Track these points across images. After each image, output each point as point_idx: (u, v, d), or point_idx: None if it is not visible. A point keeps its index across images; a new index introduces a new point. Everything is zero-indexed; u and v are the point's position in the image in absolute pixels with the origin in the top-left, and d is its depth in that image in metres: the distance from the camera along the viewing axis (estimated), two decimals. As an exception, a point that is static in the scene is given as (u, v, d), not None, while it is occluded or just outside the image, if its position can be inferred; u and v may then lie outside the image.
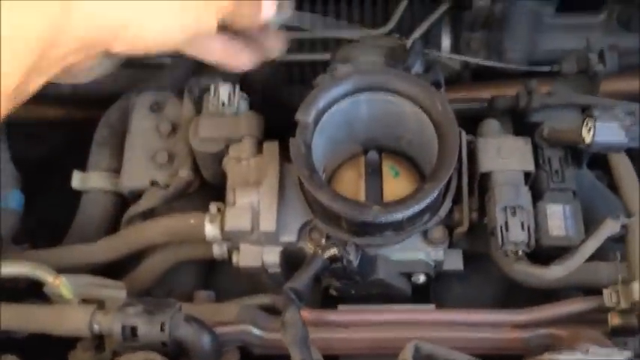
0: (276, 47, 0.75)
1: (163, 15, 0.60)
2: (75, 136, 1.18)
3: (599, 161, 0.94)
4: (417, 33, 1.15)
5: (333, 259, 0.76)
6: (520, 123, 0.98)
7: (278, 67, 1.13)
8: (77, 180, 1.01)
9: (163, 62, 1.16)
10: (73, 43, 0.56)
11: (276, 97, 1.10)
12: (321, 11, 1.18)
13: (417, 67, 0.91)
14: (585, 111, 0.81)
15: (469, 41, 1.21)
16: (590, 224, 0.84)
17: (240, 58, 0.72)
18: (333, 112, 0.83)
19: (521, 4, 1.18)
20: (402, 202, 0.77)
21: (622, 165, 0.81)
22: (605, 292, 0.76)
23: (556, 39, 1.21)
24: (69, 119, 1.23)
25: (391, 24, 1.17)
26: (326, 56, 1.04)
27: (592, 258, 0.83)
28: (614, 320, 0.76)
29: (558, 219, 0.85)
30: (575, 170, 0.91)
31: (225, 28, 0.68)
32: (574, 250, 0.77)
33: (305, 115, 0.80)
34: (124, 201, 1.01)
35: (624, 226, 0.77)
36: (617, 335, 0.77)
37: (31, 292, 0.84)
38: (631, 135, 0.71)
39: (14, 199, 1.02)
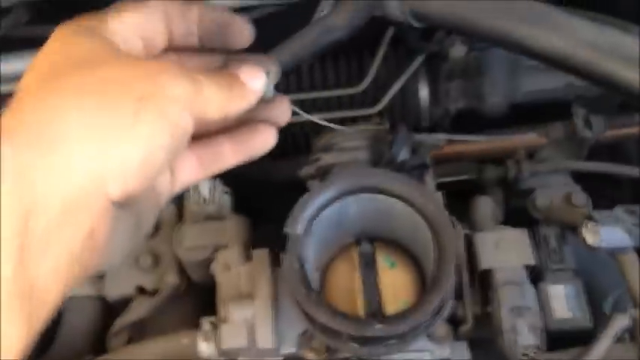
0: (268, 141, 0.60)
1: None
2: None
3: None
4: (395, 87, 1.13)
5: (337, 380, 0.74)
6: (511, 191, 0.97)
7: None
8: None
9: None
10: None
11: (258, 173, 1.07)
12: (295, 73, 1.15)
13: (403, 154, 0.88)
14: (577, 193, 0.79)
15: (448, 90, 1.19)
16: (592, 296, 0.82)
17: (221, 165, 0.59)
18: (322, 218, 0.80)
19: (497, 50, 1.17)
20: (404, 316, 0.74)
21: (629, 259, 0.79)
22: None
23: (535, 80, 1.19)
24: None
25: (367, 81, 1.15)
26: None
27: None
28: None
29: (561, 300, 0.83)
30: (575, 244, 0.89)
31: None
32: (588, 349, 0.75)
33: (294, 227, 0.77)
34: (109, 305, 0.97)
35: (634, 319, 0.75)
36: None
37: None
38: (635, 238, 0.69)
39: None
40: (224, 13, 0.57)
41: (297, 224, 0.77)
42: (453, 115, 1.21)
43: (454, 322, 0.83)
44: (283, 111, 0.60)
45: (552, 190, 0.92)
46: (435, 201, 0.78)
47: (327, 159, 0.90)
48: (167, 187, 0.56)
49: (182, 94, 0.48)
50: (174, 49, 0.56)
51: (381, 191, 0.80)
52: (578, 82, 1.06)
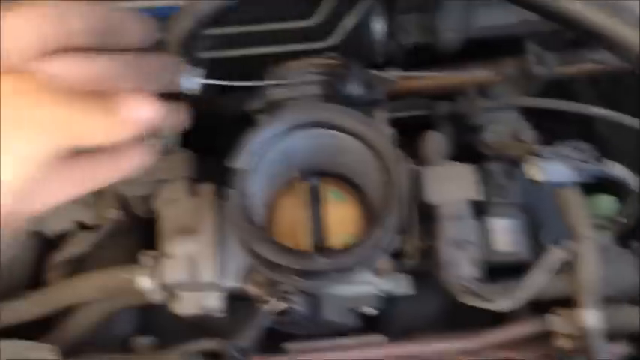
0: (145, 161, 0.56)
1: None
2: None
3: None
4: (350, 21, 1.10)
5: (279, 312, 0.73)
6: (461, 126, 0.96)
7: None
8: (-5, 222, 0.93)
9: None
10: None
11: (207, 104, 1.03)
12: (241, 3, 1.10)
13: (356, 89, 0.85)
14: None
15: (403, 24, 1.16)
16: (538, 231, 0.83)
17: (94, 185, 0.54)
18: (270, 153, 0.78)
19: (453, -17, 1.14)
20: (348, 250, 0.73)
21: (568, 190, 0.79)
22: (553, 318, 0.76)
23: (490, 15, 1.17)
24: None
25: (320, 14, 1.11)
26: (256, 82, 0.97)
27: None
28: (561, 343, 0.76)
29: (505, 234, 0.84)
30: (522, 180, 0.90)
31: None
32: (522, 282, 0.76)
33: (239, 163, 0.74)
34: (47, 244, 0.94)
35: (571, 251, 0.76)
36: (563, 357, 0.77)
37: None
38: (581, 174, 0.69)
39: None
40: (118, 11, 0.51)
41: (243, 159, 0.75)
42: (407, 51, 1.18)
43: (398, 255, 0.83)
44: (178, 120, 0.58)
45: (501, 126, 0.91)
46: (384, 136, 0.77)
47: (276, 93, 0.87)
48: (29, 210, 0.52)
49: (55, 122, 0.46)
50: (73, 49, 0.49)
51: (330, 126, 0.78)
52: (533, 18, 1.04)
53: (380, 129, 0.78)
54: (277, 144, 0.77)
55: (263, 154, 0.77)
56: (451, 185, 0.81)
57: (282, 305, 0.72)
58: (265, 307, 0.73)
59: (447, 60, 1.15)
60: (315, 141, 0.80)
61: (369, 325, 0.86)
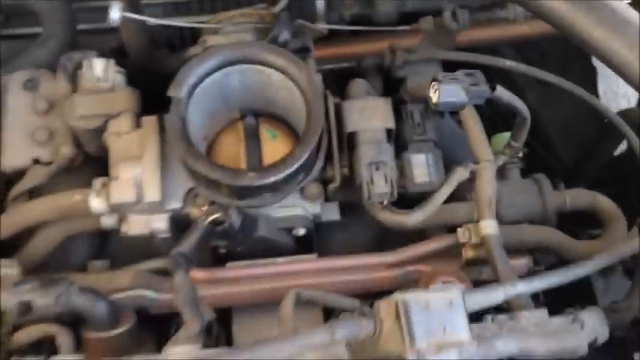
0: None
1: None
2: None
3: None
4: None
5: (216, 223, 0.82)
6: (388, 79, 1.06)
7: (155, 33, 1.14)
8: (-44, 162, 1.00)
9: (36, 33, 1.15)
10: None
11: (153, 66, 1.12)
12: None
13: (285, 36, 0.95)
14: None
15: (343, -1, 1.26)
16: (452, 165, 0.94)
17: None
18: (205, 86, 0.87)
19: (389, -40, 1.24)
20: (275, 167, 0.83)
21: (470, 118, 0.91)
22: (460, 230, 0.87)
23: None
24: None
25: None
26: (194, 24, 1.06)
27: (452, 199, 0.93)
28: (468, 253, 0.87)
29: (422, 167, 0.94)
30: (437, 121, 1.01)
31: None
32: (431, 197, 0.87)
33: (177, 91, 0.84)
34: (7, 179, 1.01)
35: (473, 172, 0.87)
36: (471, 265, 0.88)
37: None
38: (472, 95, 0.79)
39: None
40: None
41: (180, 88, 0.84)
42: (347, 22, 1.28)
43: (325, 183, 0.93)
44: None
45: (421, 76, 1.02)
46: (307, 71, 0.87)
47: (213, 40, 0.96)
48: None
49: None
50: None
51: (257, 62, 0.88)
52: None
53: (302, 64, 0.88)
54: (212, 77, 0.87)
55: (199, 85, 0.86)
56: (370, 115, 0.91)
57: (218, 215, 0.81)
58: (204, 217, 0.82)
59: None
60: (249, 79, 0.90)
61: (303, 250, 0.95)
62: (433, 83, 0.80)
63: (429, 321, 0.60)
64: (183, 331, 0.76)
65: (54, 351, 0.81)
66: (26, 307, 0.79)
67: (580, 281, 0.79)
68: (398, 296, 0.60)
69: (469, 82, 0.80)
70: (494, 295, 0.69)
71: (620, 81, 1.10)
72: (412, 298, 0.60)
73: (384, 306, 0.62)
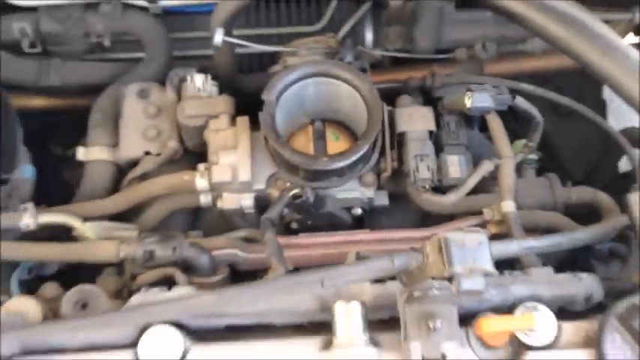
0: None
1: None
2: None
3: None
4: (345, 28, 1.46)
5: (295, 197, 1.06)
6: (427, 98, 1.30)
7: (239, 57, 1.41)
8: (81, 153, 1.26)
9: (138, 57, 1.42)
10: None
11: (237, 85, 1.38)
12: (266, 12, 1.46)
13: (349, 58, 1.21)
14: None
15: (387, 34, 1.52)
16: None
17: None
18: (289, 93, 1.12)
19: (427, 3, 1.49)
20: (343, 154, 1.07)
21: (495, 123, 1.14)
22: (485, 210, 1.09)
23: (456, 30, 1.52)
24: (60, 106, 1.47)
25: (323, 22, 1.47)
26: (277, 48, 1.32)
27: (479, 192, 1.16)
28: (492, 229, 1.09)
29: (455, 165, 1.18)
30: (468, 131, 1.24)
31: None
32: (462, 184, 1.10)
33: (269, 95, 1.09)
34: (119, 171, 1.27)
35: (497, 165, 1.10)
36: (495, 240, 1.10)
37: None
38: (497, 101, 1.03)
39: (28, 171, 1.26)
40: None
41: (271, 92, 1.10)
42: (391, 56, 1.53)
43: (378, 175, 1.16)
44: None
45: (455, 95, 1.26)
46: (369, 82, 1.12)
47: (292, 60, 1.22)
48: None
49: None
50: None
51: (330, 75, 1.13)
52: (492, 34, 1.41)
53: (365, 77, 1.12)
54: (294, 87, 1.12)
55: (284, 92, 1.11)
56: (415, 120, 1.16)
57: (298, 190, 1.05)
58: (286, 192, 1.06)
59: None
60: (321, 89, 1.15)
61: (358, 228, 1.19)
62: (467, 92, 1.04)
63: (463, 254, 0.82)
64: (271, 273, 0.99)
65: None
66: (150, 256, 1.03)
67: (582, 268, 1.00)
68: (440, 235, 0.83)
69: (495, 92, 1.04)
70: (511, 246, 0.91)
71: (627, 117, 1.34)
72: (451, 236, 0.83)
73: (429, 243, 0.84)
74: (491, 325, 0.85)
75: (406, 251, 0.85)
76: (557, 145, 1.57)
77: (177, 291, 0.94)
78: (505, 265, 1.00)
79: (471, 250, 0.83)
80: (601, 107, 1.61)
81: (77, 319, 0.87)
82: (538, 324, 0.87)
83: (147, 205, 1.19)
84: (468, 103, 1.03)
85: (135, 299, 0.92)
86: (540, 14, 0.95)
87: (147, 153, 1.23)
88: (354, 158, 1.07)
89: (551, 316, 0.90)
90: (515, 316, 0.88)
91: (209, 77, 1.25)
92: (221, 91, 1.26)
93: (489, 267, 0.83)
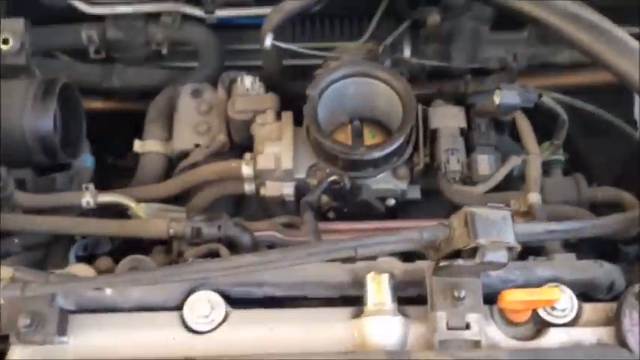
0: None
1: None
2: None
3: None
4: (386, 42, 1.54)
5: (334, 183, 1.15)
6: (460, 104, 1.38)
7: (286, 68, 1.50)
8: (138, 145, 1.37)
9: (191, 66, 1.54)
10: None
11: (282, 88, 1.48)
12: (310, 27, 1.57)
13: (387, 64, 1.30)
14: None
15: (425, 51, 1.60)
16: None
17: None
18: (331, 90, 1.22)
19: (463, 24, 1.57)
20: (379, 145, 1.16)
21: (523, 122, 1.22)
22: (512, 201, 1.16)
23: (490, 50, 1.60)
24: (116, 109, 1.59)
25: (365, 37, 1.56)
26: (318, 61, 1.42)
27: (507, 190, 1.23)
28: (518, 220, 1.15)
29: (485, 164, 1.25)
30: (498, 136, 1.31)
31: None
32: (490, 176, 1.17)
33: (313, 91, 1.19)
34: (171, 163, 1.37)
35: (524, 161, 1.17)
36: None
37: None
38: (523, 98, 1.11)
39: (88, 160, 1.37)
40: None
41: (315, 89, 1.19)
42: (427, 71, 1.62)
43: (411, 168, 1.24)
44: None
45: (487, 102, 1.34)
46: (405, 82, 1.21)
47: (335, 63, 1.32)
48: None
49: None
50: None
51: (369, 75, 1.22)
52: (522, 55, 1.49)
53: (401, 78, 1.21)
54: (336, 85, 1.21)
55: (326, 90, 1.20)
56: (448, 118, 1.24)
57: (336, 177, 1.14)
58: (325, 178, 1.14)
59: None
60: (360, 88, 1.24)
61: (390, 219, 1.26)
62: (497, 90, 1.12)
63: (487, 227, 0.89)
64: (309, 250, 1.07)
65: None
66: (197, 233, 1.12)
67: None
68: (467, 209, 0.90)
69: (522, 91, 1.11)
70: (534, 227, 0.97)
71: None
72: (477, 211, 0.89)
73: (456, 217, 0.91)
74: (514, 295, 0.91)
75: (435, 225, 0.92)
76: (587, 162, 1.62)
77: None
78: (530, 252, 1.07)
79: (495, 225, 0.90)
80: (633, 126, 1.66)
81: (130, 274, 0.96)
82: (560, 300, 0.92)
83: (196, 191, 1.29)
84: (497, 99, 1.11)
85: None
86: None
87: (197, 146, 1.33)
88: (389, 150, 1.16)
89: (572, 295, 0.96)
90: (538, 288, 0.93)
91: (257, 78, 1.35)
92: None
93: (512, 241, 0.89)
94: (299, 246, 0.91)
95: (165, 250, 1.18)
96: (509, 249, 0.89)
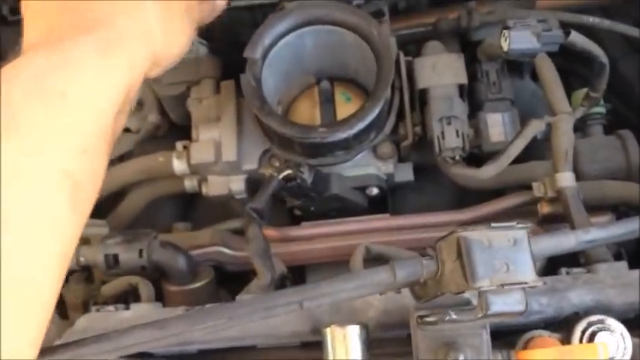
0: None
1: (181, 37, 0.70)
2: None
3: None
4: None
5: (288, 179, 0.84)
6: (465, 42, 1.04)
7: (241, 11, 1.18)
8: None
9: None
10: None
11: (239, 40, 1.16)
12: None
13: (359, -1, 0.96)
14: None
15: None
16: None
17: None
18: (280, 47, 0.90)
19: None
20: (345, 122, 0.84)
21: (546, 69, 0.87)
22: (535, 184, 0.84)
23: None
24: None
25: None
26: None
27: (530, 159, 0.91)
28: (544, 209, 0.84)
29: (498, 126, 0.93)
30: (515, 81, 0.98)
31: None
32: (503, 151, 0.85)
33: (253, 52, 0.87)
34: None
35: (550, 125, 0.84)
36: (547, 222, 0.85)
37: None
38: (544, 40, 0.77)
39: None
40: None
41: (255, 49, 0.87)
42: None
43: (397, 143, 0.93)
44: None
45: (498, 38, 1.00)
46: (379, 29, 0.87)
47: (290, 5, 0.98)
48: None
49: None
50: None
51: (330, 22, 0.89)
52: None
53: (373, 21, 0.88)
54: (286, 39, 0.89)
55: (274, 47, 0.88)
56: (441, 72, 0.91)
57: (290, 171, 0.83)
58: (276, 174, 0.84)
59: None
60: (322, 40, 0.92)
61: (377, 211, 0.96)
62: (504, 31, 0.78)
63: (490, 259, 0.59)
64: (255, 281, 0.79)
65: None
66: (114, 261, 0.85)
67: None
68: (459, 234, 0.60)
69: (541, 27, 0.77)
70: (564, 240, 0.66)
71: None
72: (474, 235, 0.59)
73: (444, 245, 0.61)
74: (536, 356, 0.62)
75: (413, 256, 0.62)
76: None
77: (135, 310, 0.76)
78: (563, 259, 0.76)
79: (503, 253, 0.59)
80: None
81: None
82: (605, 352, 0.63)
83: (123, 193, 1.00)
84: (505, 45, 0.78)
85: (80, 323, 0.74)
86: None
87: (126, 130, 1.04)
88: (361, 126, 0.84)
89: (624, 333, 0.66)
90: (573, 344, 0.64)
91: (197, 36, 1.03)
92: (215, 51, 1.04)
93: (530, 276, 0.59)
94: (222, 306, 0.63)
95: (86, 277, 0.92)
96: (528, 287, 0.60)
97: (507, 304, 0.58)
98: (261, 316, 0.61)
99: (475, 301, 0.61)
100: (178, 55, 0.71)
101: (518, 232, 0.61)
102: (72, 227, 0.55)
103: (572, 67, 1.02)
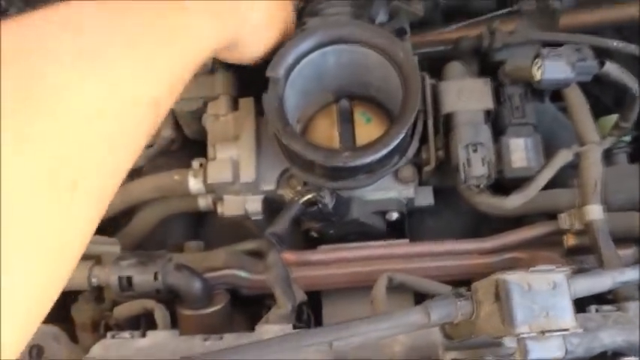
0: None
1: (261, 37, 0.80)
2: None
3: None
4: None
5: (309, 204, 0.82)
6: (485, 62, 1.02)
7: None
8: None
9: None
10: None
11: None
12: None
13: (381, 17, 0.94)
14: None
15: (439, -15, 1.23)
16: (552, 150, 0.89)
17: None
18: (302, 66, 0.87)
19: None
20: (370, 147, 0.82)
21: (574, 97, 0.85)
22: (561, 216, 0.82)
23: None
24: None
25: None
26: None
27: (554, 186, 0.89)
28: (570, 241, 0.82)
29: (520, 151, 0.91)
30: (536, 105, 0.96)
31: None
32: (531, 180, 0.83)
33: (275, 71, 0.84)
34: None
35: (578, 154, 0.82)
36: (573, 255, 0.83)
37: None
38: (578, 70, 0.75)
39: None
40: None
41: (277, 68, 0.85)
42: (442, 8, 1.25)
43: (419, 167, 0.91)
44: None
45: (521, 60, 0.97)
46: (405, 49, 0.85)
47: (312, 22, 0.96)
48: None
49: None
50: None
51: (354, 41, 0.87)
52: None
53: (398, 41, 0.86)
54: (309, 58, 0.87)
55: (296, 66, 0.86)
56: (467, 97, 0.89)
57: (311, 195, 0.81)
58: (297, 198, 0.82)
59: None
60: (344, 58, 0.89)
61: (395, 236, 0.94)
62: (537, 60, 0.76)
63: (530, 304, 0.57)
64: (275, 309, 0.76)
65: (150, 328, 0.84)
66: (127, 283, 0.82)
67: None
68: (498, 276, 0.58)
69: (576, 57, 0.75)
70: (600, 281, 0.64)
71: None
72: (513, 278, 0.57)
73: (482, 286, 0.59)
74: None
75: (449, 296, 0.60)
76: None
77: (151, 338, 0.73)
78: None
79: (542, 298, 0.58)
80: None
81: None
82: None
83: (137, 209, 0.98)
84: (538, 74, 0.76)
85: (95, 350, 0.72)
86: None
87: (138, 144, 1.01)
88: (385, 151, 0.82)
89: (657, 377, 0.65)
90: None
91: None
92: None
93: (570, 322, 0.57)
94: (257, 344, 0.60)
95: (96, 296, 0.89)
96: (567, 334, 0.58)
97: (547, 351, 0.57)
98: (290, 356, 0.59)
99: (508, 342, 0.59)
100: (256, 52, 0.82)
101: (557, 275, 0.59)
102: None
103: (592, 92, 1.00)
